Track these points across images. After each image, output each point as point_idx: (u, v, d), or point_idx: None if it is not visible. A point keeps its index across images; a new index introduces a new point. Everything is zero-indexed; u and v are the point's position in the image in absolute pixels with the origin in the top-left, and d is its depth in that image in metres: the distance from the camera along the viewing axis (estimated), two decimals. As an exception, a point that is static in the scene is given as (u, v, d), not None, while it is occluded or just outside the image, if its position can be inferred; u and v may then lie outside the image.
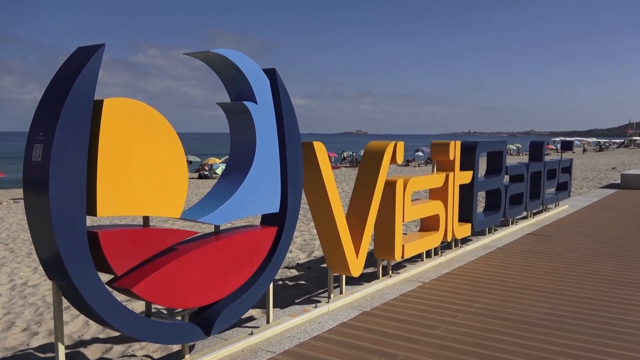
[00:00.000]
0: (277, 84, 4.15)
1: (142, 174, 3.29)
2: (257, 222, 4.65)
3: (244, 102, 3.94)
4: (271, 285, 4.43)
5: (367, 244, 5.35)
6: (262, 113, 4.03)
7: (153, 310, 4.58)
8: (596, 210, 11.68)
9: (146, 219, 3.52)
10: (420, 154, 55.21)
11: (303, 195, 4.91)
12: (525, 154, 59.84)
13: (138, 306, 6.04)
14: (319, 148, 4.79)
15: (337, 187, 23.41)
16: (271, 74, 4.15)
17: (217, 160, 42.85)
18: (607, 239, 8.46)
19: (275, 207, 4.22)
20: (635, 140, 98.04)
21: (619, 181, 17.53)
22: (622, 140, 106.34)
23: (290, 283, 6.99)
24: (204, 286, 3.73)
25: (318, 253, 8.81)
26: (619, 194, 15.01)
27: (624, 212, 11.40)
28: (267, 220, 4.40)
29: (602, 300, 5.33)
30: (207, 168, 41.65)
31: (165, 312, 5.11)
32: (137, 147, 3.25)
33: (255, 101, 3.98)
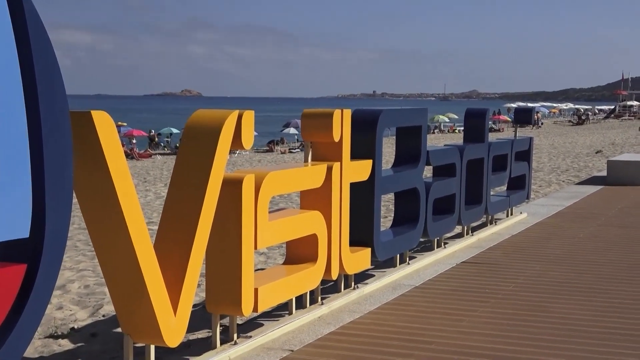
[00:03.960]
0: (22, 3, 4.01)
1: None
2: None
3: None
4: (17, 370, 4.28)
5: (192, 290, 5.34)
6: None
7: None
8: (569, 220, 12.71)
9: None
10: (292, 131, 56.21)
11: (76, 208, 4.81)
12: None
13: None
14: (103, 122, 4.70)
15: (145, 190, 23.15)
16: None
17: None
18: (585, 265, 9.25)
19: (22, 230, 4.09)
20: (632, 106, 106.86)
21: (604, 173, 19.12)
22: (612, 107, 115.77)
23: (57, 364, 6.80)
24: None
25: (109, 308, 8.66)
26: (604, 192, 16.43)
27: (611, 221, 12.53)
28: (9, 252, 4.25)
29: (571, 364, 5.82)
30: None
31: None
32: None
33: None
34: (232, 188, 5.78)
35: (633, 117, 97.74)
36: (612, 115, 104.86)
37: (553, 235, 11.23)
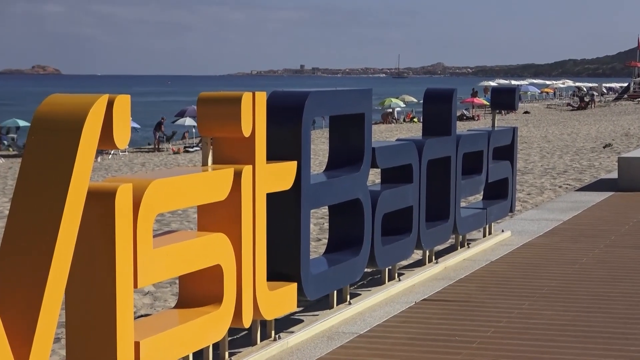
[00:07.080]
0: None
1: None
2: None
3: None
4: None
5: (47, 346, 5.26)
6: None
7: None
8: (568, 239, 12.88)
9: None
10: (188, 122, 56.50)
11: None
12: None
13: None
14: None
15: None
16: None
17: None
18: (589, 301, 9.37)
19: None
20: None
21: (615, 174, 19.48)
22: (625, 85, 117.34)
23: None
24: None
25: None
26: (614, 201, 16.65)
27: (624, 241, 12.72)
28: None
29: None
30: None
31: None
32: None
33: None
34: (101, 203, 5.73)
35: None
36: (625, 96, 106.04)
37: (546, 261, 11.34)
